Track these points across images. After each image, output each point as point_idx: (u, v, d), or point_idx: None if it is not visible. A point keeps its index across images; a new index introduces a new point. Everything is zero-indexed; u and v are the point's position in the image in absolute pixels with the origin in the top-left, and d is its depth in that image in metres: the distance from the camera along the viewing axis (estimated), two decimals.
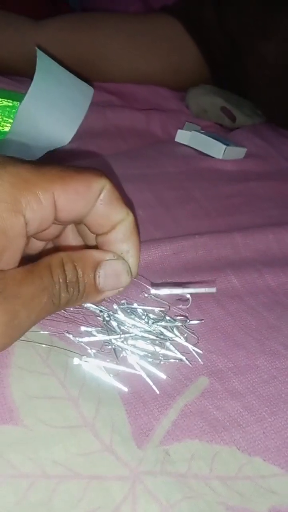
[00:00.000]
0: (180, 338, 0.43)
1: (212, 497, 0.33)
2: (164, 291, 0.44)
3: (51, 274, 0.33)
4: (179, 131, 0.81)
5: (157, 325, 0.44)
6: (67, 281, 0.35)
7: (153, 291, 0.44)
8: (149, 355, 0.42)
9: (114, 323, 0.43)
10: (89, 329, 0.42)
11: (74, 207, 0.34)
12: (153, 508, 0.32)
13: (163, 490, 0.33)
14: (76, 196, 0.34)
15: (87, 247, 0.42)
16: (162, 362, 0.41)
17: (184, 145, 0.81)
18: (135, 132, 0.86)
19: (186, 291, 0.45)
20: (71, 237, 0.41)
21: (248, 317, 0.48)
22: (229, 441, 0.37)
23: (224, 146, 0.76)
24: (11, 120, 0.74)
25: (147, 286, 0.46)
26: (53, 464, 0.33)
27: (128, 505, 0.31)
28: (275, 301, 0.51)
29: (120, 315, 0.44)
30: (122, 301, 0.46)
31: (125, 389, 0.39)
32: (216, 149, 0.77)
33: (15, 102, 0.74)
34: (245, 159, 0.81)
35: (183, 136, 0.81)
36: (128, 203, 0.40)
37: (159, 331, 0.43)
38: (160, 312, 0.45)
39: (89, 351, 0.40)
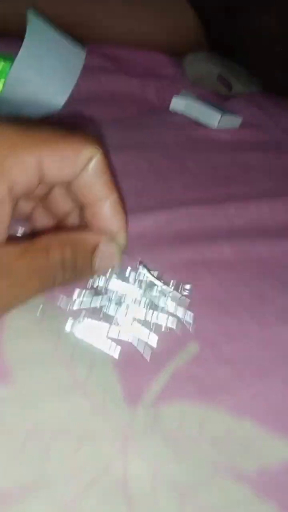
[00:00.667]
0: (171, 304, 0.43)
1: (201, 457, 0.34)
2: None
3: (48, 256, 0.32)
4: (174, 98, 0.79)
5: (149, 292, 0.44)
6: (65, 265, 0.34)
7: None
8: (141, 322, 0.42)
9: (107, 290, 0.43)
10: (81, 295, 0.43)
11: (60, 173, 0.33)
12: (143, 466, 0.33)
13: (153, 449, 0.34)
14: (62, 162, 0.33)
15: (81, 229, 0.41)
16: (153, 329, 0.41)
17: (179, 113, 0.80)
18: (130, 98, 0.84)
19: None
20: (59, 199, 0.40)
21: (240, 286, 0.49)
22: (218, 404, 0.38)
23: (219, 114, 0.75)
24: (3, 80, 0.72)
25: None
26: (45, 421, 0.34)
27: (119, 463, 0.32)
28: (268, 271, 0.51)
29: (113, 283, 0.44)
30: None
31: (116, 355, 0.39)
32: (211, 117, 0.76)
33: (7, 62, 0.72)
34: (241, 128, 0.80)
35: (179, 104, 0.80)
36: (117, 175, 0.40)
37: (150, 298, 0.44)
38: (152, 280, 0.45)
39: (81, 317, 0.41)
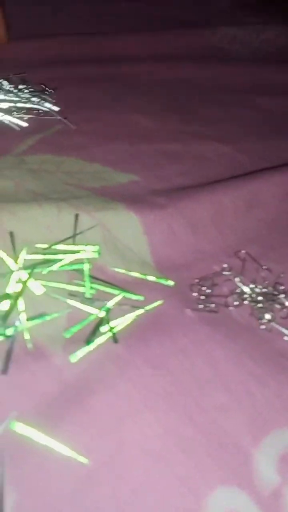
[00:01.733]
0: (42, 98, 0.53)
1: (56, 179, 0.45)
2: None
3: None
4: None
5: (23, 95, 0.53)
6: None
7: None
8: (12, 109, 0.51)
9: None
10: None
11: None
12: (8, 183, 0.43)
13: (17, 175, 0.44)
14: None
15: None
16: (24, 118, 0.51)
17: None
18: None
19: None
20: None
21: (99, 92, 0.59)
22: (75, 157, 0.48)
23: None
24: None
25: None
26: None
27: None
28: (123, 84, 0.62)
29: None
30: None
31: None
32: None
33: None
34: None
35: None
36: None
37: (25, 98, 0.53)
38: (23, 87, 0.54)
39: None
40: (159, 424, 0.28)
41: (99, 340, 0.32)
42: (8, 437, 0.27)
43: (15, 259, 0.36)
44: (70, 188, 0.43)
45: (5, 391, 0.29)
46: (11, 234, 0.37)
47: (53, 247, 0.38)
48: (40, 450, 0.26)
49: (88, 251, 0.38)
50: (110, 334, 0.33)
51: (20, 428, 0.27)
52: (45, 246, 0.37)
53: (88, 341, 0.32)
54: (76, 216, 0.39)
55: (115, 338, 0.32)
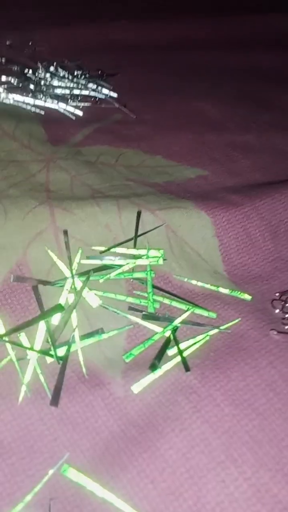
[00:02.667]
0: (99, 84, 0.48)
1: (115, 174, 0.40)
2: None
3: None
4: None
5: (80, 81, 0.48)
6: None
7: None
8: (68, 96, 0.47)
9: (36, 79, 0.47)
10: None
11: None
12: (63, 175, 0.38)
13: (73, 167, 0.39)
14: None
15: None
16: (80, 105, 0.46)
17: None
18: None
19: None
20: None
21: (161, 73, 0.53)
22: (135, 148, 0.43)
23: None
24: None
25: None
26: None
27: (42, 175, 0.38)
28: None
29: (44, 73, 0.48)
30: (44, 63, 0.50)
31: (42, 112, 0.44)
32: None
33: None
34: None
35: None
36: None
37: (81, 84, 0.48)
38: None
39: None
40: (246, 481, 0.22)
41: (166, 367, 0.26)
42: (59, 483, 0.22)
43: (69, 263, 0.31)
44: (130, 183, 0.38)
45: (56, 427, 0.24)
46: (65, 233, 0.32)
47: (112, 250, 0.32)
48: (97, 503, 0.21)
49: (151, 256, 0.32)
50: (179, 359, 0.27)
51: (73, 474, 0.22)
52: (103, 248, 0.32)
53: (153, 367, 0.26)
54: (138, 214, 0.34)
55: (186, 366, 0.26)
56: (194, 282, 0.33)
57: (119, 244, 0.32)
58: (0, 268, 0.29)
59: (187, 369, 0.26)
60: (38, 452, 0.23)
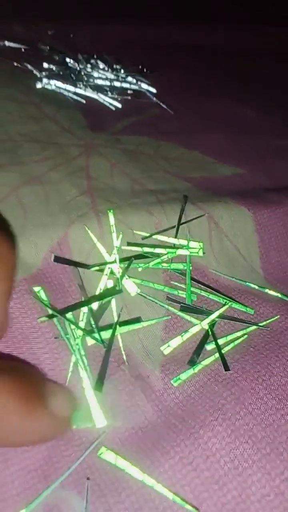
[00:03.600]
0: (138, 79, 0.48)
1: (154, 164, 0.39)
2: None
3: None
4: None
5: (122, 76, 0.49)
6: None
7: None
8: (107, 88, 0.47)
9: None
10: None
11: None
12: (103, 162, 0.38)
13: (112, 155, 0.39)
14: None
15: None
16: (119, 97, 0.46)
17: None
18: None
19: None
20: None
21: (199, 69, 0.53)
22: (173, 142, 0.43)
23: None
24: None
25: None
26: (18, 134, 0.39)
27: (81, 159, 0.38)
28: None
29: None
30: (84, 55, 0.50)
31: (83, 101, 0.44)
32: None
33: None
34: None
35: None
36: None
37: (121, 77, 0.48)
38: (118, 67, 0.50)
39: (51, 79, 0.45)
40: None
41: (205, 362, 0.26)
42: (95, 465, 0.21)
43: (110, 249, 0.30)
44: (168, 176, 0.38)
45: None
46: (110, 214, 0.31)
47: (153, 237, 0.32)
48: (136, 487, 0.20)
49: (191, 248, 0.32)
50: (218, 355, 0.26)
51: (111, 457, 0.21)
52: (145, 234, 0.32)
53: (192, 363, 0.26)
54: (185, 197, 0.33)
55: (226, 365, 0.26)
56: (229, 277, 0.32)
57: (161, 232, 0.32)
58: (41, 245, 0.29)
59: (226, 368, 0.26)
60: (77, 435, 0.22)
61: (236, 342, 0.27)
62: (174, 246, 0.32)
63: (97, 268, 0.29)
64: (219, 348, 0.27)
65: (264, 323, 0.29)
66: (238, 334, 0.28)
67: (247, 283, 0.32)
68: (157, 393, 0.24)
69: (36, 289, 0.27)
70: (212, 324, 0.28)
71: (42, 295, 0.27)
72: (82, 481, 0.21)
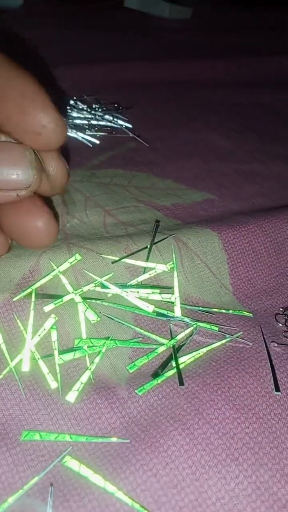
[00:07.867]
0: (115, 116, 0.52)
1: (127, 194, 0.42)
2: None
3: None
4: None
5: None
6: None
7: None
8: (86, 126, 0.50)
9: None
10: None
11: None
12: (78, 196, 0.41)
13: (87, 188, 0.42)
14: None
15: None
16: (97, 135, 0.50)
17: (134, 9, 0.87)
18: None
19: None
20: None
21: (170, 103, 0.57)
22: (146, 170, 0.46)
23: (168, 5, 0.82)
24: None
25: None
26: None
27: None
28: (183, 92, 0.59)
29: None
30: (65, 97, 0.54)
31: None
32: (162, 8, 0.83)
33: None
34: (192, 19, 0.86)
35: (132, 1, 0.86)
36: None
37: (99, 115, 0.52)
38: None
39: None
40: (246, 479, 0.23)
41: (168, 374, 0.28)
42: (60, 473, 0.23)
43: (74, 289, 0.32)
44: (140, 206, 0.40)
45: (61, 422, 0.25)
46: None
47: (122, 260, 0.34)
48: (98, 493, 0.22)
49: (161, 268, 0.34)
50: (181, 367, 0.28)
51: (74, 465, 0.23)
52: (114, 258, 0.34)
53: (155, 376, 0.27)
54: (157, 223, 0.36)
55: (181, 380, 0.27)
56: (197, 296, 0.34)
57: (131, 254, 0.34)
58: (14, 274, 0.31)
59: (181, 383, 0.27)
60: (42, 445, 0.24)
61: (196, 356, 0.29)
62: (144, 270, 0.34)
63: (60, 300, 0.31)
64: (177, 365, 0.28)
65: (228, 339, 0.31)
66: (204, 350, 0.30)
67: (212, 309, 0.33)
68: (121, 400, 0.26)
69: None
70: (174, 345, 0.30)
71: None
72: (46, 489, 0.22)
